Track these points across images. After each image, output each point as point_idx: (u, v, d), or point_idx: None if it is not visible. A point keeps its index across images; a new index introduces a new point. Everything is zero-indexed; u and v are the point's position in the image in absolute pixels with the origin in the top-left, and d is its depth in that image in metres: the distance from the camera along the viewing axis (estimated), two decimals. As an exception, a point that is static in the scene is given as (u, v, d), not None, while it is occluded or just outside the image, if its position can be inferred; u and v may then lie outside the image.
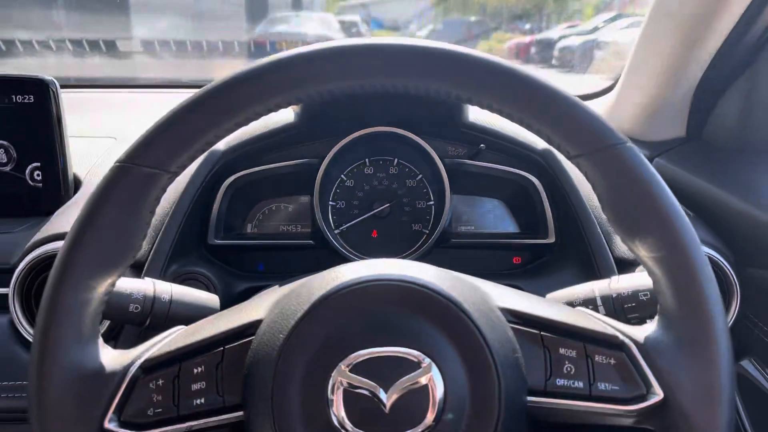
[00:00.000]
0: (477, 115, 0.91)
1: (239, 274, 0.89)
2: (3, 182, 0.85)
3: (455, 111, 0.89)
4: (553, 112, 0.51)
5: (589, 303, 0.67)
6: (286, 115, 0.90)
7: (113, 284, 0.54)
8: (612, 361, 0.52)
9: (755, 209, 0.77)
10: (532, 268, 0.91)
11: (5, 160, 0.85)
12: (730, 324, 0.80)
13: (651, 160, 0.97)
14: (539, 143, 0.89)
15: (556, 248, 0.89)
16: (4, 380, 0.74)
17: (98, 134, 1.03)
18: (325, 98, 0.52)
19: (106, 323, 0.76)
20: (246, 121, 0.52)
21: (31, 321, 0.76)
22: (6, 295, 0.76)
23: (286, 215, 0.95)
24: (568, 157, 0.53)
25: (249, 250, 0.91)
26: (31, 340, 0.75)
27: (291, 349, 0.49)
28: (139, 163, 0.51)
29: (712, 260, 0.78)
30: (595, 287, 0.68)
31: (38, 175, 0.85)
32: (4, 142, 0.85)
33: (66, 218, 0.80)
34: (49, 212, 0.84)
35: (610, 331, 0.53)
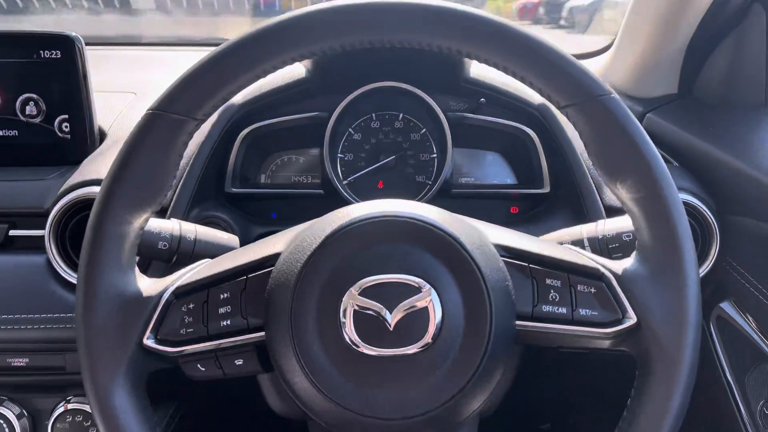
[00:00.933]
0: (477, 71, 0.95)
1: (254, 220, 0.95)
2: (34, 133, 0.91)
3: (457, 67, 0.94)
4: (545, 65, 0.56)
5: (576, 243, 0.73)
6: (298, 71, 0.95)
7: (147, 220, 0.60)
8: (592, 290, 0.58)
9: (736, 159, 0.83)
10: (527, 217, 0.97)
11: (35, 113, 0.91)
12: (709, 267, 0.86)
13: (643, 116, 1.02)
14: (536, 98, 0.94)
15: (550, 198, 0.95)
16: (43, 313, 0.82)
17: (118, 89, 1.08)
18: (337, 52, 0.57)
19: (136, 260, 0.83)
20: (264, 74, 0.58)
21: (66, 260, 0.83)
22: (42, 237, 0.83)
23: (298, 166, 1.01)
24: (559, 108, 0.58)
25: (263, 198, 0.97)
26: (66, 277, 0.82)
27: (307, 277, 0.55)
28: (169, 111, 0.57)
29: (693, 207, 0.84)
30: (583, 229, 0.74)
31: (66, 126, 0.91)
32: (34, 95, 0.90)
33: (94, 166, 0.86)
34: (77, 162, 0.89)
35: (592, 264, 0.59)
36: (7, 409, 0.87)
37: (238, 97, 0.92)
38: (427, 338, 0.54)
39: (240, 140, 0.93)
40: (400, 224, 0.56)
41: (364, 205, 0.59)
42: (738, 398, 0.83)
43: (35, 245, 0.84)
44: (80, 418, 0.86)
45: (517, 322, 0.58)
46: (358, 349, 0.54)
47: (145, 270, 0.83)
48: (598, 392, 0.99)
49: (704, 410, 0.91)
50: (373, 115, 0.99)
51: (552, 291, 0.58)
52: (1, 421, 0.86)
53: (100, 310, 0.56)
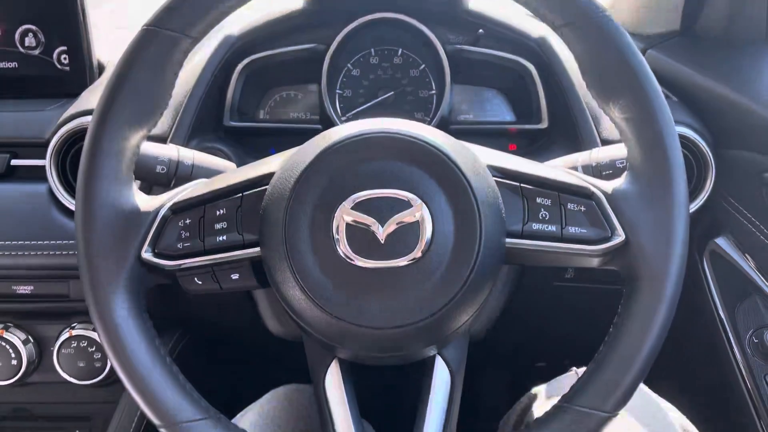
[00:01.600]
0: (477, 3, 0.94)
1: (253, 155, 0.96)
2: (33, 65, 0.91)
3: None
4: None
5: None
6: (296, 3, 0.94)
7: (144, 138, 0.61)
8: (582, 209, 0.58)
9: (735, 92, 0.82)
10: (525, 153, 0.97)
11: (34, 44, 0.91)
12: (703, 201, 0.86)
13: (644, 53, 1.01)
14: (535, 31, 0.93)
15: (548, 133, 0.95)
16: (46, 240, 0.83)
17: (119, 25, 1.08)
18: None
19: (137, 185, 0.84)
20: None
21: (68, 189, 0.84)
22: (43, 167, 0.84)
23: (296, 103, 1.01)
24: (554, 28, 0.58)
25: (261, 134, 0.98)
26: (67, 205, 0.84)
27: (300, 192, 0.56)
28: (164, 27, 0.57)
29: (690, 140, 0.84)
30: (578, 157, 0.74)
31: (65, 58, 0.91)
32: (33, 27, 0.90)
33: (93, 97, 0.87)
34: (75, 94, 0.90)
35: (582, 183, 0.59)
36: (13, 335, 0.89)
37: (236, 28, 0.92)
38: (418, 251, 0.54)
39: (238, 72, 0.93)
40: (392, 140, 0.57)
41: (358, 123, 0.59)
42: (728, 329, 0.84)
43: (37, 175, 0.85)
44: (84, 344, 0.89)
45: (507, 240, 0.58)
46: (351, 262, 0.55)
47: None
48: (595, 334, 1.01)
49: (694, 342, 0.93)
50: (372, 50, 0.98)
51: (542, 209, 0.59)
52: (8, 347, 0.89)
53: (99, 222, 0.57)
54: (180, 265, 0.59)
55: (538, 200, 0.59)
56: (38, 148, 0.85)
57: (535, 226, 0.59)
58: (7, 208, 0.84)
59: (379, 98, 0.98)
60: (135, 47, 0.58)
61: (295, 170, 0.57)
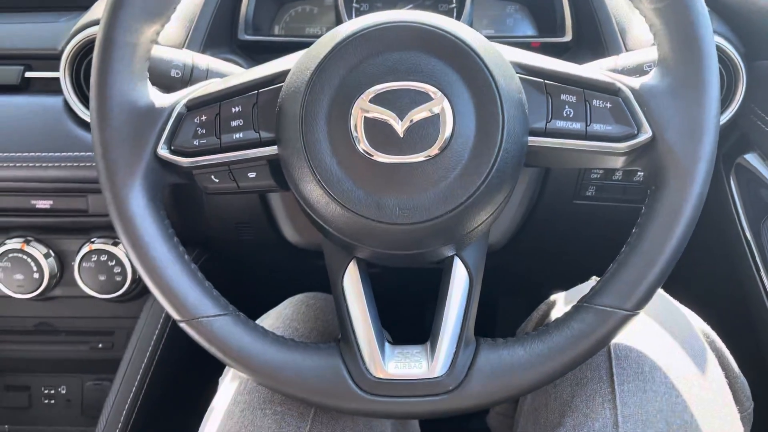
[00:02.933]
0: None
1: (268, 73, 0.94)
2: (43, -24, 0.90)
3: None
4: None
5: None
6: None
7: (157, 33, 0.59)
8: (608, 105, 0.56)
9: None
10: (548, 69, 0.95)
11: (44, -46, 0.89)
12: (733, 112, 0.83)
13: None
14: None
15: (572, 47, 0.92)
16: (63, 152, 0.83)
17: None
18: None
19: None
20: None
21: (82, 100, 0.83)
22: (58, 79, 0.83)
23: (312, 18, 0.98)
24: None
25: (276, 49, 0.95)
26: (83, 116, 0.83)
27: (317, 84, 0.54)
28: None
29: (721, 49, 0.81)
30: (602, 63, 0.72)
31: (76, -30, 0.89)
32: (42, -65, 0.88)
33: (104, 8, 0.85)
34: (87, 6, 0.88)
35: (609, 79, 0.57)
36: (35, 248, 0.90)
37: (249, -63, 0.89)
38: (438, 146, 0.53)
39: (251, -17, 0.91)
40: (412, 31, 0.55)
41: (377, 14, 0.57)
42: (752, 244, 0.83)
43: (52, 88, 0.85)
44: (104, 258, 0.90)
45: (530, 138, 0.57)
46: (369, 157, 0.53)
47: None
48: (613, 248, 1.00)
49: (717, 256, 0.91)
50: (391, -39, 0.95)
51: (566, 106, 0.57)
52: (30, 260, 0.90)
53: (114, 118, 0.57)
54: (196, 162, 0.59)
55: (563, 97, 0.57)
56: (52, 60, 0.84)
57: (559, 124, 0.57)
58: (23, 121, 0.84)
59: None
60: None
61: (310, 64, 0.56)
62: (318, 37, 0.96)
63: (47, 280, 0.90)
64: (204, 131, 0.59)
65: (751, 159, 0.87)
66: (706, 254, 0.89)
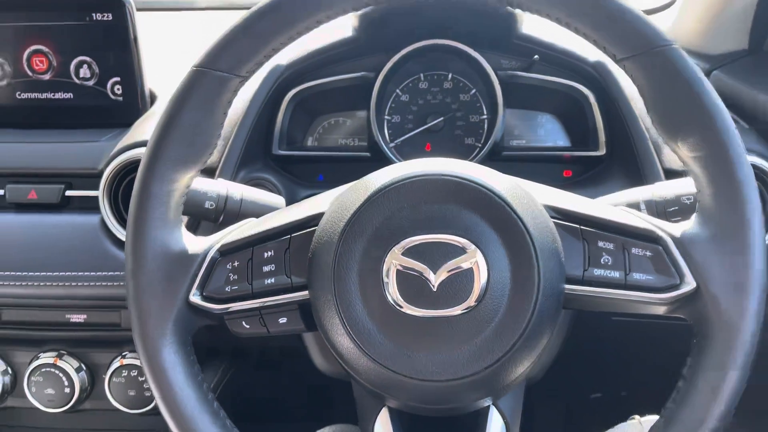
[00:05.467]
0: (530, 27, 0.91)
1: (301, 183, 0.95)
2: (88, 96, 0.92)
3: (509, 23, 0.90)
4: (600, 14, 0.53)
5: (633, 207, 0.69)
6: (344, 31, 0.93)
7: (193, 178, 0.60)
8: (648, 254, 0.55)
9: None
10: (581, 181, 0.94)
11: (89, 75, 0.92)
12: None
13: (709, 74, 0.96)
14: (592, 55, 0.89)
15: (606, 160, 0.91)
16: (98, 270, 0.84)
17: (170, 53, 1.09)
18: (382, 5, 0.56)
19: (185, 220, 0.85)
20: (306, 30, 0.57)
21: (119, 220, 0.85)
22: (96, 197, 0.85)
23: (344, 129, 1.00)
24: (615, 61, 0.55)
25: (310, 161, 0.97)
26: (119, 236, 0.84)
27: (350, 235, 0.54)
28: (213, 68, 0.57)
29: (762, 170, 0.79)
30: (640, 192, 0.70)
31: (118, 89, 0.92)
32: (87, 58, 0.91)
33: (145, 128, 0.87)
34: (128, 124, 0.91)
35: (648, 226, 0.56)
36: (67, 362, 0.90)
37: (284, 58, 0.91)
38: (472, 300, 0.52)
39: (287, 101, 0.92)
40: (444, 183, 0.55)
41: (409, 164, 0.57)
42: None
43: (90, 205, 0.86)
44: (135, 373, 0.90)
45: (567, 286, 0.56)
46: (401, 310, 0.53)
47: (194, 231, 0.84)
48: (653, 365, 0.96)
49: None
50: (421, 75, 0.96)
51: (604, 254, 0.56)
52: (61, 375, 0.90)
53: (148, 266, 0.57)
54: (227, 308, 0.59)
55: (600, 244, 0.56)
56: (92, 179, 0.86)
57: (597, 272, 0.56)
58: (62, 239, 0.85)
59: (429, 124, 0.96)
60: (184, 89, 0.57)
61: (345, 212, 0.56)
62: (350, 148, 0.99)
63: (77, 394, 0.90)
64: (236, 277, 0.59)
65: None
66: (759, 387, 0.84)
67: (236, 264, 0.59)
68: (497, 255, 0.53)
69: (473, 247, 0.53)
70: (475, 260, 0.52)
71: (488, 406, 0.59)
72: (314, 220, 0.59)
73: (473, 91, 0.96)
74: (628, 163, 0.87)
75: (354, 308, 0.54)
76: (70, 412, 0.93)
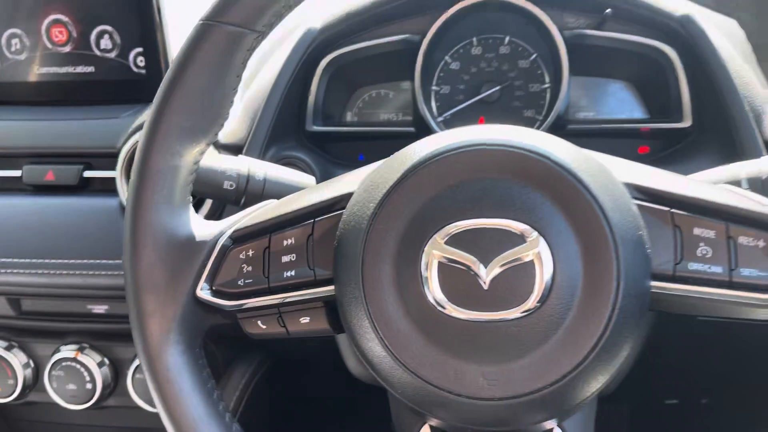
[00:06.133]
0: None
1: (338, 163, 0.87)
2: (109, 69, 0.86)
3: None
4: None
5: (732, 185, 0.57)
6: (384, -11, 0.84)
7: (202, 153, 0.52)
8: (761, 244, 0.44)
9: None
10: (660, 158, 0.82)
11: (110, 47, 0.86)
12: None
13: None
14: (678, 8, 0.77)
15: (691, 134, 0.79)
16: (119, 258, 0.78)
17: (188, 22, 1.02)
18: None
19: (209, 204, 0.77)
20: None
21: (139, 203, 0.78)
22: (114, 179, 0.79)
23: (387, 103, 0.91)
24: None
25: (348, 138, 0.89)
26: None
27: (381, 220, 0.45)
28: (224, 21, 0.48)
29: None
30: (742, 168, 0.59)
31: (141, 61, 0.86)
32: (108, 28, 0.85)
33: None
34: (152, 99, 0.84)
35: (760, 208, 0.45)
36: (88, 356, 0.85)
37: (318, 21, 0.83)
38: (533, 300, 0.43)
39: (321, 70, 0.85)
40: (498, 155, 0.44)
41: (453, 132, 0.47)
42: None
43: (110, 187, 0.81)
44: (159, 369, 0.83)
45: (653, 284, 0.45)
46: (444, 312, 0.43)
47: (218, 217, 0.77)
48: (743, 369, 0.83)
49: None
50: (474, 39, 0.87)
51: (702, 244, 0.45)
52: (83, 370, 0.85)
53: (149, 255, 0.49)
54: (241, 305, 0.50)
55: (697, 231, 0.45)
56: (112, 159, 0.80)
57: (693, 266, 0.45)
58: (80, 223, 0.80)
59: (482, 94, 0.87)
60: (190, 46, 0.49)
61: (376, 191, 0.46)
62: (393, 123, 0.90)
63: (100, 390, 0.85)
64: (250, 269, 0.50)
65: None
66: None
67: (251, 253, 0.50)
68: (565, 244, 0.43)
69: (535, 234, 0.43)
70: (537, 251, 0.43)
71: (551, 430, 0.48)
72: (342, 201, 0.50)
73: (534, 56, 0.85)
74: (719, 136, 0.75)
75: (386, 309, 0.44)
76: (94, 409, 0.88)
